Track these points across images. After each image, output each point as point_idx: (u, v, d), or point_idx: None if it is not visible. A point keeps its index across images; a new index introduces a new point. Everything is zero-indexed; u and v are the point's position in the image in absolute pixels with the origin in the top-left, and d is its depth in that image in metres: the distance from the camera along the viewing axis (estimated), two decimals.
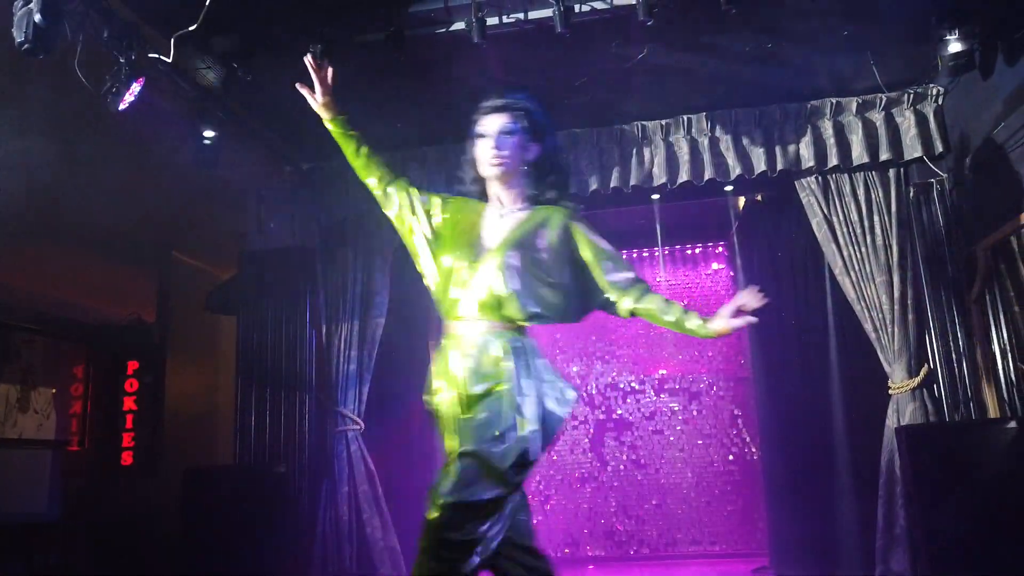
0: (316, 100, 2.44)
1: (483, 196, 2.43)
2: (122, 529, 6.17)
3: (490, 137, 2.33)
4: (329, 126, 2.47)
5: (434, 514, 1.98)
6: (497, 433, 2.07)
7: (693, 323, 2.25)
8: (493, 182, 2.38)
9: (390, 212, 2.45)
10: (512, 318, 2.24)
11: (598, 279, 2.31)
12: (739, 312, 2.20)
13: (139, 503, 6.36)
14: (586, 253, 2.33)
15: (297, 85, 2.44)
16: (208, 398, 7.09)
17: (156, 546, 5.94)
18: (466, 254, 2.30)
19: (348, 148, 2.46)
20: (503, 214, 2.38)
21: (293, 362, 4.87)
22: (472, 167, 2.41)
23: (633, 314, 2.31)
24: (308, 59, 2.43)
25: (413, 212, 2.40)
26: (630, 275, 2.32)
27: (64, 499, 6.52)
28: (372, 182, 2.46)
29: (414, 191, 2.43)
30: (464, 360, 2.22)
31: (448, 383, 2.25)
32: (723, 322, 2.20)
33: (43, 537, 6.01)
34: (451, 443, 2.20)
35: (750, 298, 2.18)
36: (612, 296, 2.30)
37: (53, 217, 5.28)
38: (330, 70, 2.42)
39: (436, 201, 2.43)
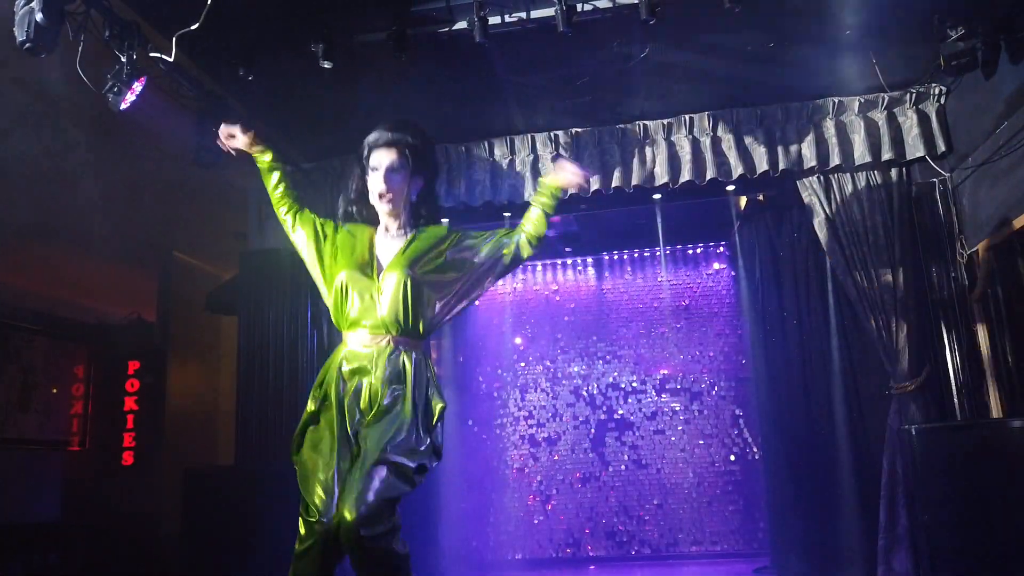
0: (242, 144, 2.66)
1: (372, 219, 2.62)
2: (122, 529, 6.17)
3: (380, 171, 2.52)
4: (257, 160, 2.67)
5: (353, 514, 2.14)
6: (403, 442, 2.27)
7: (540, 198, 2.58)
8: (381, 210, 2.57)
9: (296, 237, 2.65)
10: (410, 331, 2.43)
11: (491, 248, 2.56)
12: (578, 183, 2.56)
13: (139, 503, 6.36)
14: (471, 242, 2.58)
15: (219, 141, 2.68)
16: (209, 398, 7.09)
17: (156, 546, 5.94)
18: (361, 272, 2.47)
19: (269, 179, 2.68)
20: (392, 236, 2.58)
21: (294, 362, 4.87)
22: (362, 192, 2.62)
23: (528, 244, 2.57)
24: (223, 129, 2.67)
25: (315, 237, 2.61)
26: (505, 233, 2.60)
27: (65, 499, 6.52)
28: (283, 211, 2.68)
29: (316, 219, 2.66)
30: (365, 371, 2.38)
31: (337, 391, 2.39)
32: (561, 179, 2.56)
33: (43, 536, 6.01)
34: (323, 441, 2.35)
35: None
36: (505, 250, 2.57)
37: (54, 217, 5.28)
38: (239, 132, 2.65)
39: (331, 226, 2.65)
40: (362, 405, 2.36)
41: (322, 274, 2.57)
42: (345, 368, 2.40)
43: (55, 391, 6.62)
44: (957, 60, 3.79)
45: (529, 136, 4.72)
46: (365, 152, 2.58)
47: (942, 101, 4.40)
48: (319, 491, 2.26)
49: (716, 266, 6.79)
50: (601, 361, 6.75)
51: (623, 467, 6.52)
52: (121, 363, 6.77)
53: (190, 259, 6.96)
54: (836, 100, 4.44)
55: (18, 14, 2.85)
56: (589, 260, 6.87)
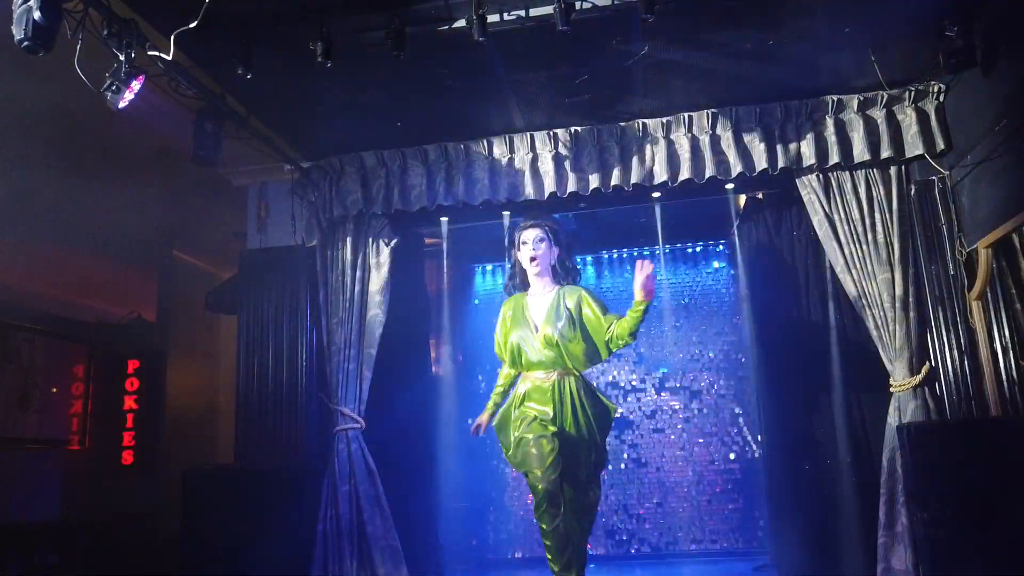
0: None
1: (523, 285, 3.83)
2: (122, 528, 6.17)
3: (529, 244, 3.71)
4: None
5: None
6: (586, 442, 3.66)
7: (630, 315, 3.47)
8: (531, 275, 3.75)
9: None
10: (568, 366, 3.64)
11: (599, 329, 3.59)
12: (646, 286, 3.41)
13: (139, 502, 6.35)
14: (592, 312, 3.63)
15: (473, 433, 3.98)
16: (208, 397, 7.10)
17: (156, 545, 5.94)
18: (526, 329, 3.69)
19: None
20: (542, 295, 3.74)
21: (293, 361, 4.87)
22: (516, 265, 3.83)
23: (615, 340, 3.58)
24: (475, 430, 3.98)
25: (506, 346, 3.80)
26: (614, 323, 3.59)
27: (64, 498, 6.51)
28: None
29: (505, 347, 3.79)
30: (548, 399, 3.61)
31: (537, 414, 3.60)
32: (639, 294, 3.43)
33: (43, 536, 6.00)
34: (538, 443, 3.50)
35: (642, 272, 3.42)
36: (614, 339, 3.57)
37: (54, 217, 5.28)
38: None
39: (502, 320, 3.81)
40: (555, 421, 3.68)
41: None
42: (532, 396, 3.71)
43: (55, 390, 6.60)
44: (956, 58, 3.80)
45: (528, 134, 4.72)
46: (513, 234, 3.83)
47: (941, 99, 4.40)
48: None
49: (715, 264, 6.79)
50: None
51: (623, 466, 6.52)
52: (121, 362, 6.76)
53: (190, 259, 6.97)
54: (835, 98, 4.44)
55: (16, 12, 2.84)
56: (588, 259, 6.87)
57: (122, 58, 3.24)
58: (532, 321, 3.68)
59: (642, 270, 3.37)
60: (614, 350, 3.59)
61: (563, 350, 3.56)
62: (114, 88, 3.28)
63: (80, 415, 6.74)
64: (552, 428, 3.50)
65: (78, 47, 3.08)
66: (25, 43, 2.83)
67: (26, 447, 6.28)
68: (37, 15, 2.80)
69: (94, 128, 4.22)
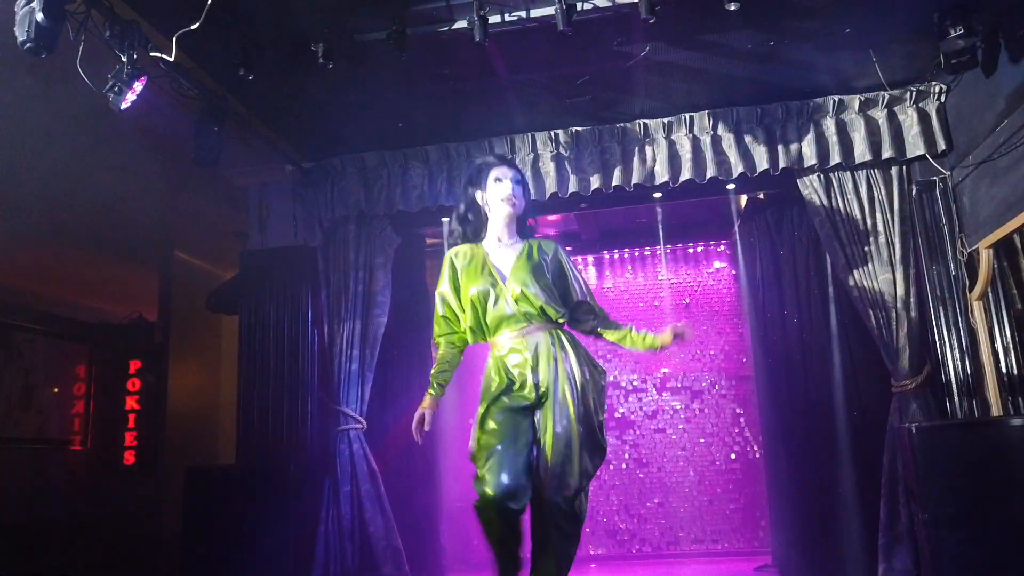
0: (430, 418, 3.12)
1: (476, 236, 3.09)
2: (124, 527, 6.18)
3: (508, 182, 3.00)
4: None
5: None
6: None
7: (647, 338, 2.99)
8: (499, 220, 3.02)
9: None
10: (551, 317, 2.90)
11: (567, 299, 3.01)
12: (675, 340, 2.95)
13: (141, 502, 6.37)
14: (565, 278, 3.04)
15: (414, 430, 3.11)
16: (210, 397, 7.10)
17: (158, 545, 5.95)
18: (489, 280, 2.92)
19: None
20: (506, 247, 3.01)
21: (295, 361, 4.87)
22: (473, 208, 3.07)
23: (593, 333, 3.10)
24: (416, 429, 3.11)
25: (456, 303, 3.04)
26: (591, 306, 3.08)
27: (66, 498, 6.52)
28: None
29: (449, 300, 3.04)
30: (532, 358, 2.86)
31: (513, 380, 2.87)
32: (667, 335, 2.96)
33: (45, 535, 6.02)
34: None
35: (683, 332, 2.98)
36: (576, 315, 3.05)
37: (55, 217, 5.28)
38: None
39: (451, 270, 3.04)
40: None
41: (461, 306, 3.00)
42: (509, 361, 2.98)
43: (56, 390, 6.62)
44: (957, 58, 3.80)
45: (529, 135, 4.73)
46: (481, 171, 3.04)
47: (942, 99, 4.40)
48: None
49: (716, 265, 6.79)
50: (601, 360, 6.74)
51: (624, 466, 6.52)
52: (122, 362, 6.78)
53: (191, 259, 6.97)
54: (836, 99, 4.44)
55: (19, 14, 2.85)
56: (590, 259, 6.87)
57: (124, 59, 3.24)
58: (497, 272, 2.92)
59: (683, 335, 2.97)
60: (585, 332, 3.09)
61: (539, 304, 2.87)
62: (116, 89, 3.28)
63: (82, 415, 6.77)
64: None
65: (80, 48, 3.09)
66: (28, 45, 2.83)
67: (28, 447, 6.30)
68: (40, 16, 2.80)
69: (96, 128, 4.22)
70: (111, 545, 6.13)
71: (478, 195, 3.04)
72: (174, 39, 3.31)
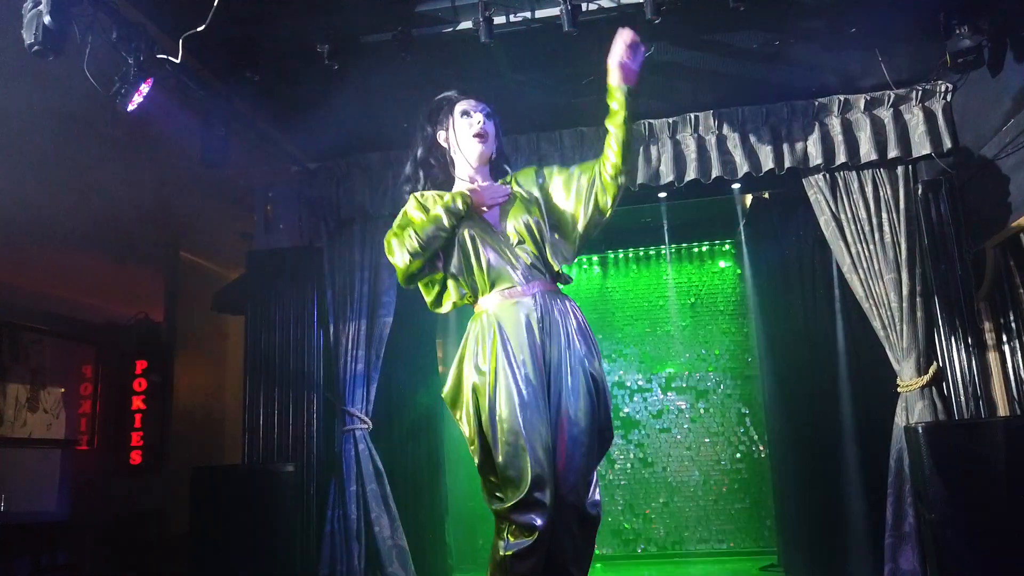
0: None
1: (439, 179, 2.56)
2: (131, 527, 6.20)
3: (478, 114, 2.49)
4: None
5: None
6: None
7: (616, 97, 2.41)
8: (469, 162, 2.50)
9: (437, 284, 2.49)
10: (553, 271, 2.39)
11: (588, 177, 2.47)
12: (622, 60, 2.37)
13: (147, 502, 6.39)
14: (560, 176, 2.52)
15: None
16: (216, 397, 7.12)
17: (164, 545, 5.97)
18: (479, 229, 2.38)
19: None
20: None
21: (301, 361, 4.88)
22: (436, 151, 2.54)
23: (623, 163, 2.43)
24: None
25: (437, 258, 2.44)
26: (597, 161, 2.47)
27: (73, 498, 6.55)
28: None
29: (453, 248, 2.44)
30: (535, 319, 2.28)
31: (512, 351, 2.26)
32: (615, 73, 2.39)
33: (52, 535, 6.04)
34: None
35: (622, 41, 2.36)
36: (603, 173, 2.44)
37: (61, 217, 5.30)
38: None
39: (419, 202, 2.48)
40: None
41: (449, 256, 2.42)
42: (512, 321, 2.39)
43: (63, 390, 6.64)
44: (963, 57, 3.79)
45: (534, 135, 4.73)
46: (442, 107, 2.54)
47: (948, 98, 4.39)
48: None
49: (722, 264, 6.79)
50: (606, 359, 6.76)
51: (629, 465, 6.53)
52: (129, 362, 6.79)
53: (196, 259, 6.99)
54: (842, 98, 4.43)
55: (26, 17, 2.86)
56: (594, 258, 6.88)
57: (131, 61, 3.25)
58: (480, 218, 2.43)
59: (620, 36, 2.40)
60: (614, 190, 2.45)
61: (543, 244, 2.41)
62: (123, 91, 3.30)
63: (88, 415, 6.78)
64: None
65: (87, 51, 3.10)
66: (35, 47, 2.85)
67: (36, 447, 6.32)
68: (47, 19, 2.82)
69: (101, 127, 4.23)
70: (118, 543, 6.16)
71: (439, 135, 2.54)
72: (180, 41, 3.32)
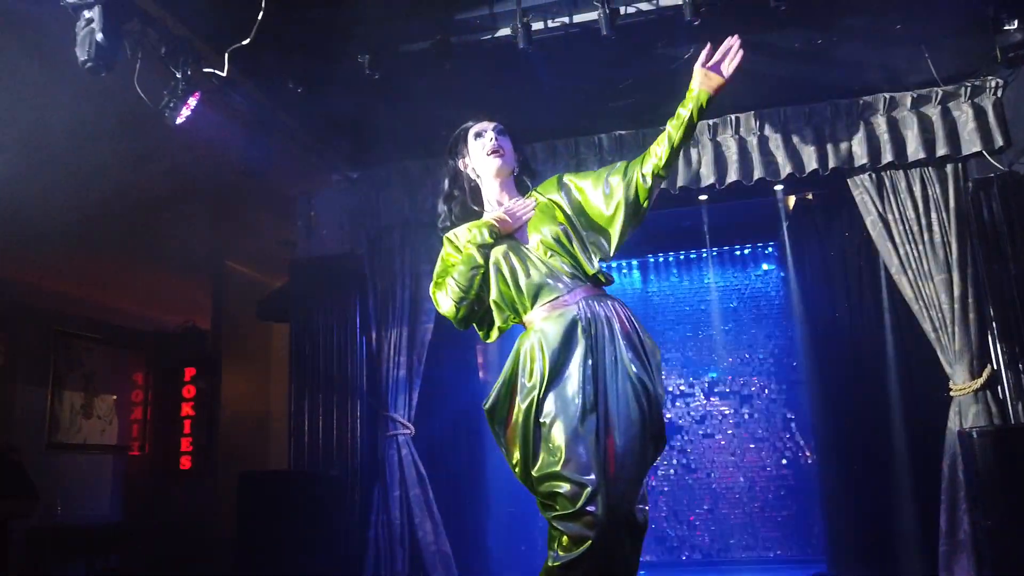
0: None
1: (467, 213, 2.52)
2: (180, 530, 6.33)
3: (490, 132, 2.47)
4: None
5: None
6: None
7: (689, 105, 2.40)
8: (492, 181, 2.47)
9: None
10: (591, 275, 2.31)
11: (621, 174, 2.39)
12: (716, 63, 2.39)
13: (196, 506, 6.52)
14: (587, 180, 2.44)
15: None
16: (262, 403, 7.24)
17: (212, 548, 6.08)
18: (510, 250, 2.33)
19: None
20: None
21: (344, 368, 4.94)
22: (457, 181, 2.53)
23: (665, 165, 2.35)
24: None
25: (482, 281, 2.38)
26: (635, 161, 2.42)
27: (125, 501, 6.72)
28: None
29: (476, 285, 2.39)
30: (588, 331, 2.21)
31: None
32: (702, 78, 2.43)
33: (105, 538, 6.21)
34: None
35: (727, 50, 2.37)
36: (643, 167, 2.37)
37: (112, 229, 5.45)
38: None
39: (456, 244, 2.46)
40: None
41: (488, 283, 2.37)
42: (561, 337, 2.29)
43: (116, 397, 6.83)
44: (1014, 52, 3.68)
45: (572, 139, 4.73)
46: (458, 138, 2.55)
47: (999, 94, 4.27)
48: None
49: (765, 267, 6.70)
50: None
51: (672, 472, 6.46)
52: (178, 370, 6.95)
53: (241, 268, 7.12)
54: (887, 96, 4.34)
55: (79, 35, 2.96)
56: (634, 263, 6.84)
57: (179, 75, 3.34)
58: (509, 237, 2.38)
59: (726, 42, 2.44)
60: (651, 184, 2.35)
61: (576, 254, 2.33)
62: (171, 105, 3.39)
63: (140, 421, 6.96)
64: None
65: (137, 66, 3.19)
66: (88, 64, 2.95)
67: (90, 452, 6.50)
68: (99, 37, 2.92)
69: (148, 138, 4.34)
70: (168, 547, 6.29)
71: (460, 163, 2.54)
72: (226, 55, 3.40)
